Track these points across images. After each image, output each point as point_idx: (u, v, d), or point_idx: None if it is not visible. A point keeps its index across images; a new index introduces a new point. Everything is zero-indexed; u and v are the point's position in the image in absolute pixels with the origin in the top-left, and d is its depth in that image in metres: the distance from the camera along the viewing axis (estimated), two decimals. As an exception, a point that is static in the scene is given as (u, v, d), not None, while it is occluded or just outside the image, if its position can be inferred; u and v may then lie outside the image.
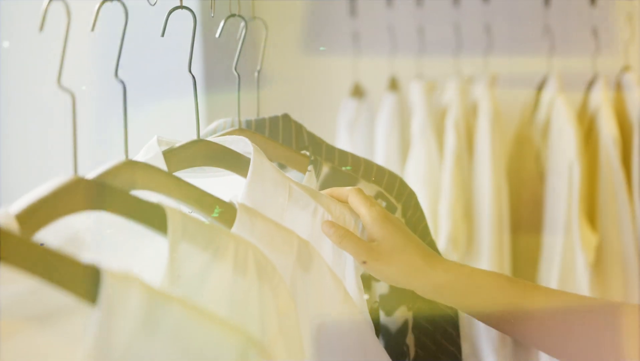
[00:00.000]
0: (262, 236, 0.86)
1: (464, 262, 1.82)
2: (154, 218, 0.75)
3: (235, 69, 1.09)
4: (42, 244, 0.61)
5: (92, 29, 0.86)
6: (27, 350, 0.61)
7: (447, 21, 2.48)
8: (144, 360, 0.62)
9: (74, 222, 0.76)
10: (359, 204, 1.00)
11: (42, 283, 0.60)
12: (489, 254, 2.24)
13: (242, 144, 0.99)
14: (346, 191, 1.02)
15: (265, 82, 1.22)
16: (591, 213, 2.22)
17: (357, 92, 2.50)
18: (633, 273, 2.18)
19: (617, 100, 2.30)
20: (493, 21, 2.45)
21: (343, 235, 0.97)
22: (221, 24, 1.07)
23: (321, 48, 2.59)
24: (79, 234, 0.77)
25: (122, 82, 0.88)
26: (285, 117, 1.20)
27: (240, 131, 1.10)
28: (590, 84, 2.30)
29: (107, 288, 0.61)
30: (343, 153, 1.22)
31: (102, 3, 0.85)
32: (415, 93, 2.38)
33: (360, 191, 1.02)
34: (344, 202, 1.01)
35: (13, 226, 0.67)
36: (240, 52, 1.10)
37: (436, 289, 0.99)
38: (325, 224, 0.96)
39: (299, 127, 1.21)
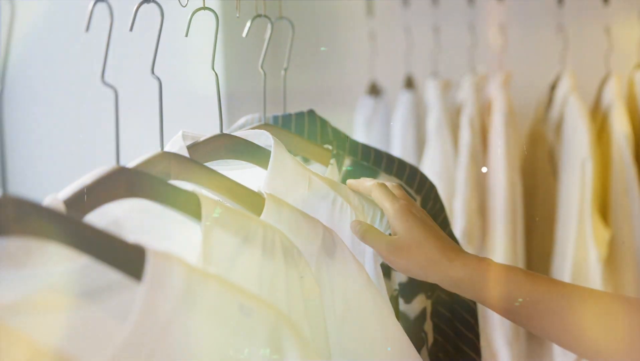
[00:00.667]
0: (289, 223, 0.90)
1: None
2: (189, 205, 0.80)
3: (262, 67, 1.14)
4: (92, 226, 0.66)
5: (131, 29, 0.90)
6: (79, 324, 0.66)
7: (462, 20, 2.50)
8: (184, 332, 0.67)
9: (114, 208, 0.81)
10: (382, 198, 1.02)
11: (93, 261, 0.65)
12: (503, 249, 2.25)
13: (264, 138, 1.03)
14: (369, 186, 1.04)
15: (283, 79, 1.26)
16: (603, 208, 2.24)
17: (374, 90, 2.54)
18: (645, 268, 2.21)
19: (630, 97, 2.33)
20: (507, 20, 2.46)
21: (366, 230, 0.99)
22: (248, 24, 1.11)
23: (322, 48, 2.61)
24: (119, 220, 0.82)
25: (159, 79, 0.93)
26: (311, 113, 1.24)
27: (265, 126, 1.14)
28: (603, 82, 2.32)
29: (151, 266, 0.66)
30: (366, 147, 1.26)
31: (140, 4, 0.89)
32: (430, 91, 2.40)
33: (383, 185, 1.04)
34: (366, 195, 1.04)
35: (61, 210, 0.72)
36: (266, 51, 1.14)
37: (454, 283, 0.99)
38: (352, 222, 0.99)
39: (324, 123, 1.25)
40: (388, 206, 1.02)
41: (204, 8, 1.01)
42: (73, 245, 0.63)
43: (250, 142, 1.04)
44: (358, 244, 1.00)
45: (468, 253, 1.02)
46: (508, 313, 1.01)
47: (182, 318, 0.66)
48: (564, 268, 2.22)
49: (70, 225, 0.64)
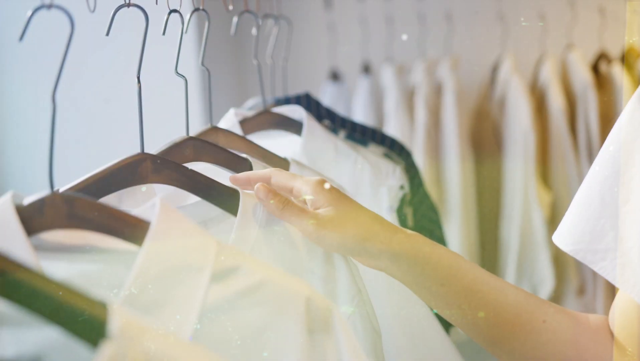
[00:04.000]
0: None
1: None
2: (244, 167, 1.03)
3: (256, 58, 1.28)
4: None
5: (163, 33, 0.98)
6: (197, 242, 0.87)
7: (412, 11, 2.68)
8: (265, 253, 0.89)
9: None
10: (288, 179, 0.95)
11: (203, 199, 0.88)
12: (458, 214, 2.46)
13: (297, 113, 1.27)
14: (267, 172, 0.96)
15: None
16: (544, 174, 2.48)
17: (335, 76, 2.76)
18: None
19: (563, 75, 2.56)
20: (452, 9, 2.65)
21: (284, 204, 0.91)
22: (234, 20, 1.25)
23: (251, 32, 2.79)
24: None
25: (184, 77, 1.12)
26: (307, 95, 1.48)
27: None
28: (538, 63, 2.55)
29: (243, 204, 0.89)
30: (353, 122, 1.51)
31: (170, 13, 0.99)
32: (386, 75, 2.59)
33: (280, 170, 0.97)
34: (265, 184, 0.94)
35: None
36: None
37: (394, 257, 0.91)
38: (260, 191, 0.91)
39: (317, 103, 1.49)
40: (301, 183, 0.94)
41: (198, 9, 1.07)
42: (190, 189, 0.86)
43: (287, 116, 1.27)
44: (374, 197, 1.21)
45: (403, 228, 0.96)
46: (439, 301, 0.94)
47: (263, 242, 0.90)
48: (511, 228, 2.43)
49: (187, 173, 0.87)
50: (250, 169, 0.99)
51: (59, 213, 0.69)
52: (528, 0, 2.65)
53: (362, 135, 1.47)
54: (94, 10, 0.85)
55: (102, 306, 0.54)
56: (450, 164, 2.50)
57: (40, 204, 0.69)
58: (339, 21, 2.76)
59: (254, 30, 1.28)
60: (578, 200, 0.95)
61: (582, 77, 2.49)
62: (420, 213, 1.49)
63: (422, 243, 0.93)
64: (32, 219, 0.67)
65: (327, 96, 2.71)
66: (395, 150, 1.48)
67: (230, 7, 1.18)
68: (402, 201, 1.33)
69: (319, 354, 0.69)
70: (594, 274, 2.39)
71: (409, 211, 1.39)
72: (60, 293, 0.54)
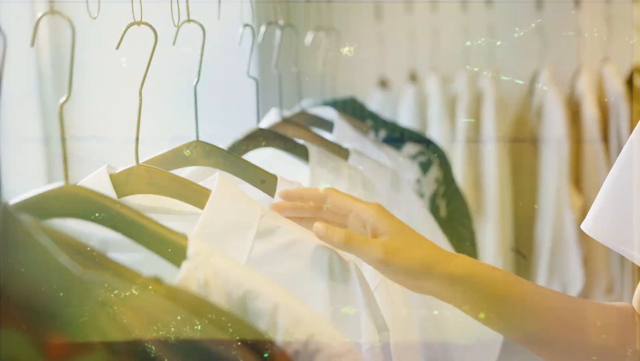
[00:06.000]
0: (366, 167, 1.31)
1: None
2: (301, 152, 1.22)
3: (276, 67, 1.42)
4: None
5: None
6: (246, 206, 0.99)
7: (457, 24, 2.82)
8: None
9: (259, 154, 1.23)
10: (345, 200, 0.94)
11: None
12: (495, 218, 2.60)
13: (328, 113, 1.46)
14: (323, 193, 0.96)
15: (308, 77, 1.60)
16: (577, 179, 2.62)
17: (383, 84, 2.94)
18: (612, 228, 2.59)
19: (598, 87, 2.69)
20: (494, 23, 2.77)
21: (347, 236, 0.90)
22: (262, 29, 1.34)
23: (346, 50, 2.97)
24: (264, 161, 1.22)
25: (256, 80, 1.30)
26: (352, 98, 1.67)
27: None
28: (575, 75, 2.68)
29: (279, 186, 1.08)
30: (392, 123, 1.70)
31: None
32: (431, 84, 2.76)
33: (335, 190, 0.96)
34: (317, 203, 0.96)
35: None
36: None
37: (454, 282, 0.91)
38: (319, 230, 0.90)
39: (361, 106, 1.69)
40: (363, 206, 0.93)
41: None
42: (222, 168, 1.05)
43: (318, 116, 1.47)
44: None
45: (453, 252, 0.97)
46: (498, 322, 0.96)
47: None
48: (545, 230, 2.59)
49: (233, 159, 1.06)
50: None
51: (141, 181, 0.90)
52: (566, 16, 2.76)
53: (401, 135, 1.66)
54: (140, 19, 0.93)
55: (183, 236, 0.74)
56: (489, 169, 2.64)
57: (127, 173, 0.90)
58: (388, 32, 2.92)
59: (307, 40, 1.49)
60: (607, 188, 1.05)
61: (616, 89, 2.62)
62: (453, 205, 1.66)
63: (474, 263, 0.95)
64: (121, 184, 0.88)
65: (375, 102, 2.85)
66: (431, 149, 1.66)
67: (281, 22, 1.34)
68: (436, 193, 1.51)
69: (340, 298, 0.87)
70: (622, 273, 2.54)
71: (442, 203, 1.57)
72: (154, 226, 0.74)
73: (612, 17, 2.67)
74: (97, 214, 0.71)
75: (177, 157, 1.04)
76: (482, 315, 0.94)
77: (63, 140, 0.72)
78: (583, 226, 1.05)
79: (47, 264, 0.51)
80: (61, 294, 0.50)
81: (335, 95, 1.70)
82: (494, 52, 2.77)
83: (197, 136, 1.07)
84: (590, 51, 2.72)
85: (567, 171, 2.56)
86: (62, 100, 0.72)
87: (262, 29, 1.25)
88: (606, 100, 2.66)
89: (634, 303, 1.00)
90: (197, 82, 1.03)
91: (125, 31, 0.85)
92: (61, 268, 0.52)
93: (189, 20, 1.00)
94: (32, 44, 0.71)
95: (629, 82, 2.70)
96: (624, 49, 2.69)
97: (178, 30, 0.99)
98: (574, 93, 2.70)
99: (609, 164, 2.58)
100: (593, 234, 1.02)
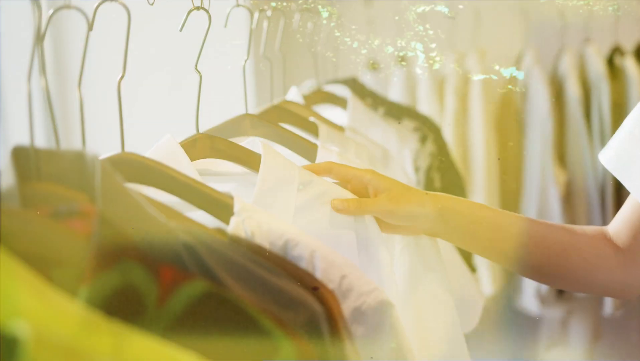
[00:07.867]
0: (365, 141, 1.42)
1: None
2: (312, 129, 1.33)
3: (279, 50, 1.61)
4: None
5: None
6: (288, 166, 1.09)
7: (443, 9, 2.91)
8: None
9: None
10: (346, 170, 1.10)
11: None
12: (482, 192, 2.70)
13: (343, 90, 1.56)
14: (326, 165, 1.10)
15: (303, 59, 1.69)
16: (561, 156, 2.74)
17: (373, 66, 3.02)
18: (594, 202, 2.74)
19: (580, 67, 2.81)
20: (480, 7, 2.85)
21: (359, 203, 1.05)
22: (255, 15, 1.37)
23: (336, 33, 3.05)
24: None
25: (269, 61, 1.41)
26: (354, 79, 1.77)
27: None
28: (557, 56, 2.80)
29: (318, 156, 1.18)
30: (390, 101, 1.80)
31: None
32: (419, 66, 2.85)
33: (334, 163, 1.12)
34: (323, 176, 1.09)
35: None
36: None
37: (442, 213, 1.07)
38: (336, 204, 1.04)
39: (362, 85, 1.79)
40: (360, 172, 1.09)
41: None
42: (277, 141, 1.16)
43: (334, 94, 1.57)
44: (399, 156, 1.49)
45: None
46: (479, 241, 1.13)
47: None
48: (530, 205, 2.70)
49: (272, 128, 1.17)
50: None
51: (205, 147, 1.01)
52: (550, -1, 2.87)
53: (398, 111, 1.76)
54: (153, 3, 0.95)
55: (230, 196, 0.84)
56: (476, 146, 2.74)
57: (193, 140, 1.01)
58: (377, 17, 3.00)
59: (309, 25, 1.58)
60: (626, 126, 1.15)
61: (597, 69, 2.73)
62: (448, 178, 1.77)
63: (456, 198, 1.12)
64: (189, 150, 0.99)
65: (366, 83, 2.95)
66: (427, 125, 1.77)
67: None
68: (431, 166, 1.61)
69: (361, 239, 1.02)
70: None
71: (436, 176, 1.67)
72: (205, 189, 0.84)
73: (593, -1, 2.76)
74: (156, 180, 0.81)
75: (229, 128, 1.14)
76: (465, 242, 1.13)
77: (120, 114, 0.81)
78: (601, 157, 1.18)
79: (138, 214, 0.61)
80: (151, 238, 0.60)
81: (334, 75, 1.80)
82: (480, 35, 2.86)
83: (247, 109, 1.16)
84: (572, 32, 2.81)
85: (551, 148, 2.67)
86: (119, 77, 0.81)
87: (256, 15, 1.31)
88: (588, 79, 2.78)
89: (612, 233, 1.15)
90: (196, 69, 1.07)
91: (187, 16, 0.94)
92: (150, 217, 0.62)
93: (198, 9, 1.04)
94: (91, 28, 0.77)
95: (610, 61, 2.82)
96: (605, 30, 2.78)
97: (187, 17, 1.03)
98: (557, 73, 2.82)
99: (591, 140, 2.70)
100: (608, 165, 1.15)
